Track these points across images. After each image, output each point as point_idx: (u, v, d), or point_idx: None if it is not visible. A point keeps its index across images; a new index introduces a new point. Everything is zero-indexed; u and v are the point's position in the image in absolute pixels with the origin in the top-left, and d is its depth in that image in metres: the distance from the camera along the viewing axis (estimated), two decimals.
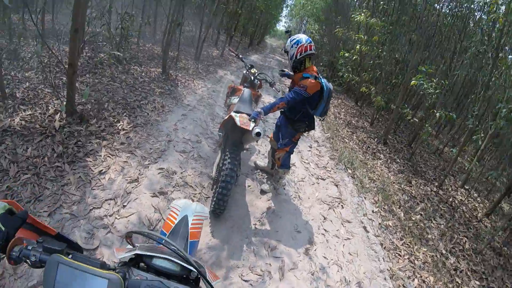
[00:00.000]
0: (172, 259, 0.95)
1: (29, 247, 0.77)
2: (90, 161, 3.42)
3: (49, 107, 4.03)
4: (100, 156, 3.58)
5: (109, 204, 2.94)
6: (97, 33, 6.71)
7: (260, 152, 5.10)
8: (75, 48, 3.63)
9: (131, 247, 1.05)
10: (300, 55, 3.34)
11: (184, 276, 0.99)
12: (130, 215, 2.89)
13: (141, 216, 2.93)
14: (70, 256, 0.78)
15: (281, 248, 3.27)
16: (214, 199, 3.02)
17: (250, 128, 2.88)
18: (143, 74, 6.78)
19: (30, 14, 4.03)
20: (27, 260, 0.76)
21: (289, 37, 3.45)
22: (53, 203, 2.74)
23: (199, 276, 0.97)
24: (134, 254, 0.94)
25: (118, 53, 5.92)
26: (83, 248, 0.87)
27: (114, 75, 5.96)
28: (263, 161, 4.61)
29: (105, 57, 6.11)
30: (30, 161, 3.09)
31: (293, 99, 3.26)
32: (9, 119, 3.53)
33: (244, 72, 4.36)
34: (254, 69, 4.34)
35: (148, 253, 0.95)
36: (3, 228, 0.75)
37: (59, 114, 3.93)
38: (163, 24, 11.80)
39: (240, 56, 4.50)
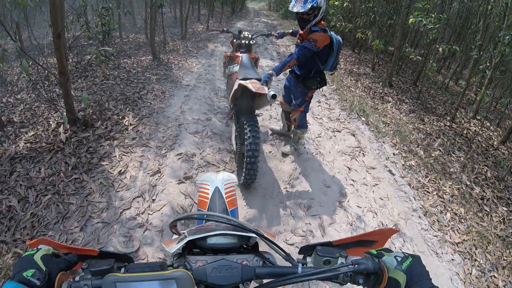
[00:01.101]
0: (225, 232, 0.85)
1: (77, 278, 0.67)
2: (107, 164, 3.30)
3: (50, 122, 3.89)
4: (115, 156, 3.45)
5: (138, 202, 2.83)
6: (78, 36, 6.46)
7: (272, 117, 4.91)
8: (61, 55, 3.43)
9: (177, 236, 0.96)
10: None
11: (242, 246, 0.90)
12: (162, 208, 2.78)
13: (173, 206, 2.82)
14: (123, 270, 0.71)
15: (316, 205, 3.19)
16: (244, 171, 2.90)
17: (266, 92, 2.70)
18: (134, 65, 6.56)
19: (7, 31, 3.82)
20: None
21: None
22: (81, 216, 2.64)
23: (256, 241, 0.88)
24: (186, 242, 0.82)
25: (107, 48, 5.69)
26: (130, 255, 0.73)
27: (106, 73, 5.76)
28: (277, 125, 4.46)
29: (93, 57, 5.89)
30: (47, 181, 2.97)
31: (303, 55, 3.08)
32: (14, 146, 3.40)
33: (235, 40, 4.12)
34: (246, 33, 4.10)
35: (200, 235, 0.84)
36: (43, 268, 0.64)
37: (62, 126, 3.78)
38: (140, 12, 11.48)
39: (225, 29, 4.26)
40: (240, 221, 0.85)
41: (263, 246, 0.85)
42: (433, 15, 6.16)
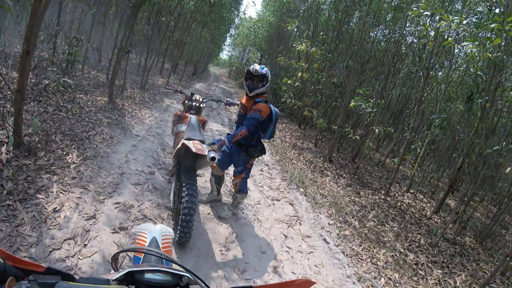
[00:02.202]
0: (162, 268, 0.98)
1: (23, 285, 0.72)
2: (43, 198, 3.27)
3: None
4: (52, 192, 3.43)
5: (69, 244, 2.83)
6: (44, 58, 6.45)
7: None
8: (24, 73, 3.48)
9: (116, 271, 1.05)
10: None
11: (176, 285, 1.02)
12: (93, 254, 2.79)
13: (104, 254, 2.84)
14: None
15: (250, 270, 3.34)
16: (179, 228, 3.03)
17: (206, 153, 2.95)
18: (89, 103, 6.59)
19: None
20: None
21: (260, 62, 3.61)
22: (9, 246, 2.59)
23: (188, 282, 1.00)
24: (126, 272, 0.95)
25: (68, 80, 5.72)
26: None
27: (60, 103, 5.74)
28: (205, 195, 4.53)
29: (52, 84, 5.87)
30: None
31: (253, 125, 3.42)
32: None
33: (186, 101, 4.41)
34: (198, 96, 4.43)
35: (140, 268, 0.97)
36: None
37: (5, 146, 3.72)
38: (107, 52, 11.61)
39: (179, 89, 4.56)
40: (176, 260, 0.98)
41: None
42: (372, 100, 6.97)
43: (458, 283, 4.13)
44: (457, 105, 8.88)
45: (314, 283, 0.99)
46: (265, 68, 3.53)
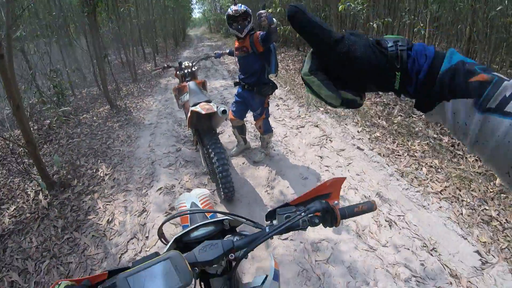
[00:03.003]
0: (202, 222, 1.03)
1: None
2: (94, 217, 3.41)
3: (28, 192, 3.96)
4: (100, 208, 3.56)
5: (132, 243, 2.96)
6: (33, 104, 6.51)
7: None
8: (24, 125, 3.54)
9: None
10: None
11: (221, 231, 1.07)
12: (157, 242, 2.92)
13: (167, 237, 2.95)
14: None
15: None
16: (221, 186, 3.10)
17: (215, 110, 2.93)
18: (94, 118, 6.66)
19: None
20: None
21: (235, 2, 3.50)
22: (83, 271, 2.75)
23: (231, 224, 1.06)
24: (174, 240, 0.99)
25: (66, 108, 5.78)
26: None
27: (69, 132, 5.84)
28: (233, 147, 4.54)
29: (54, 120, 5.96)
30: (41, 248, 3.05)
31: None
32: None
33: (177, 72, 4.33)
34: (186, 62, 4.33)
35: (182, 232, 1.02)
36: None
37: (40, 193, 3.86)
38: (87, 66, 11.53)
39: (165, 65, 4.48)
40: (210, 209, 1.05)
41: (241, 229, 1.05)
42: None
43: None
44: None
45: (344, 178, 1.02)
46: (243, 6, 3.44)
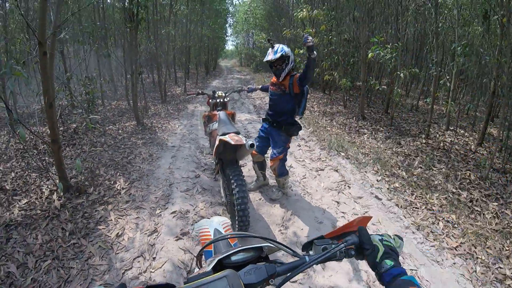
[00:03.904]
0: (246, 247, 1.04)
1: None
2: (104, 228, 3.38)
3: (43, 190, 3.98)
4: (111, 220, 3.54)
5: (138, 261, 2.90)
6: (65, 106, 6.67)
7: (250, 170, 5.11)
8: (53, 124, 3.61)
9: (201, 268, 1.14)
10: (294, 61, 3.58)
11: (258, 258, 1.08)
12: (163, 265, 2.86)
13: (174, 262, 2.90)
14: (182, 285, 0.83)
15: None
16: (237, 218, 3.06)
17: (244, 142, 2.94)
18: (120, 131, 6.76)
19: (4, 100, 3.98)
20: None
21: (272, 46, 3.53)
22: (84, 279, 2.69)
23: (266, 253, 1.09)
24: (217, 261, 1.00)
25: (95, 116, 5.89)
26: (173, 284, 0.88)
27: (93, 140, 5.93)
28: (253, 182, 4.52)
29: (83, 125, 6.07)
30: (45, 247, 3.02)
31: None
32: (8, 213, 3.46)
33: (210, 100, 4.42)
34: (220, 92, 4.44)
35: (228, 253, 1.03)
36: None
37: (55, 193, 3.88)
38: (120, 80, 11.85)
39: (200, 91, 4.63)
40: (256, 234, 1.06)
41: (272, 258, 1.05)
42: (389, 46, 6.69)
43: None
44: (474, 28, 8.36)
45: (371, 217, 1.11)
46: (279, 48, 3.47)
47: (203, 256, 1.56)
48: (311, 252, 1.04)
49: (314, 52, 3.16)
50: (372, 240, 0.93)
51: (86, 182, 4.25)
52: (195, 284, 0.77)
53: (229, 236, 1.12)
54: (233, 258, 1.03)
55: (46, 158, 4.90)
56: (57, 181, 3.89)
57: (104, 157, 5.20)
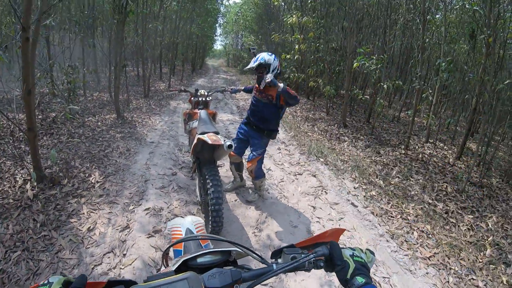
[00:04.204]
0: (213, 250, 1.06)
1: None
2: (75, 222, 3.36)
3: (17, 179, 3.92)
4: (83, 214, 3.52)
5: (108, 257, 2.91)
6: (46, 93, 6.56)
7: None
8: (31, 111, 3.56)
9: (167, 267, 1.13)
10: (280, 66, 3.65)
11: (225, 262, 1.10)
12: (133, 262, 2.87)
13: (144, 259, 2.91)
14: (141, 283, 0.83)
15: (285, 245, 3.32)
16: (210, 219, 3.09)
17: (222, 143, 2.98)
18: (99, 123, 6.70)
19: None
20: None
21: (254, 54, 3.65)
22: (53, 273, 2.68)
23: (234, 258, 1.11)
24: (182, 261, 1.01)
25: (74, 106, 5.82)
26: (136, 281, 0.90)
27: (71, 131, 5.86)
28: (229, 183, 4.56)
29: (60, 115, 5.98)
30: (15, 237, 2.99)
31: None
32: None
33: (192, 98, 4.43)
34: (202, 91, 4.46)
35: (193, 255, 1.04)
36: None
37: (29, 183, 3.83)
38: (104, 71, 11.71)
39: (182, 88, 4.63)
40: (224, 238, 1.08)
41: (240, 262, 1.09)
42: (374, 57, 6.84)
43: (490, 225, 4.04)
44: (460, 46, 8.62)
45: (344, 230, 1.12)
46: (260, 57, 3.58)
47: (173, 256, 1.58)
48: (279, 260, 1.04)
49: (279, 85, 3.32)
50: (343, 255, 0.93)
51: (60, 173, 4.21)
52: (154, 284, 0.77)
53: (198, 237, 1.14)
54: (199, 260, 1.04)
55: (22, 146, 4.83)
56: (32, 170, 3.85)
57: (81, 149, 5.15)
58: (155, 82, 13.63)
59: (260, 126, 3.81)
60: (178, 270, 1.01)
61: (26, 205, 3.45)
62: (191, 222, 1.70)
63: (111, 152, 5.29)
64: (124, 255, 2.96)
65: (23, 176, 4.00)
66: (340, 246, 0.96)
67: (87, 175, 4.36)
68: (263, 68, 3.60)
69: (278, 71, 3.67)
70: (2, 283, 2.53)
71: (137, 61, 13.42)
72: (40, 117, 6.04)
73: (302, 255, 0.96)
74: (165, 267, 1.20)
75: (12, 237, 2.99)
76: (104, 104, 8.62)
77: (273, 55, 3.62)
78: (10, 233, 3.03)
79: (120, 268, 2.78)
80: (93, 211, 3.60)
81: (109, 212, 3.61)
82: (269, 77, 3.30)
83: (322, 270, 0.96)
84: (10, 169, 4.15)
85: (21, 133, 5.06)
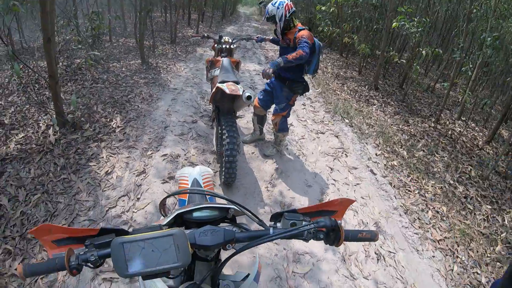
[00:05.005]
0: (208, 205, 1.02)
1: (82, 252, 0.79)
2: (94, 165, 3.43)
3: (40, 124, 4.00)
4: (102, 158, 3.58)
5: (123, 201, 2.97)
6: (68, 41, 6.57)
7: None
8: (51, 59, 3.56)
9: (165, 217, 1.10)
10: (288, 14, 3.37)
11: (223, 218, 1.08)
12: (146, 206, 2.92)
13: (156, 204, 2.96)
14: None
15: (296, 203, 3.32)
16: (224, 169, 3.07)
17: (240, 93, 2.87)
18: (123, 69, 6.70)
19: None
20: (88, 264, 0.78)
21: (264, 6, 3.49)
22: (69, 214, 2.77)
23: (234, 214, 1.07)
24: (175, 215, 0.99)
25: (96, 52, 5.82)
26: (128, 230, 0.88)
27: (95, 76, 5.88)
28: (248, 135, 4.52)
29: (82, 61, 6.00)
30: (36, 181, 3.09)
31: (307, 47, 3.23)
32: (4, 147, 3.51)
33: (216, 45, 4.28)
34: (226, 37, 4.28)
35: (188, 209, 1.01)
36: None
37: (51, 128, 3.90)
38: (131, 16, 11.59)
39: (205, 34, 4.50)
40: (220, 194, 1.04)
41: (240, 220, 1.05)
42: (416, 19, 6.38)
43: (506, 221, 3.75)
44: (509, 24, 7.83)
45: (353, 201, 1.06)
46: (268, 9, 3.44)
47: (179, 205, 1.57)
48: (278, 225, 0.99)
49: (275, 66, 3.16)
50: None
51: (82, 118, 4.27)
52: (139, 237, 0.74)
53: (186, 192, 1.14)
54: (195, 214, 1.02)
55: (46, 93, 4.90)
56: (54, 116, 3.91)
57: (104, 94, 5.19)
58: (183, 29, 13.40)
59: (282, 74, 3.64)
60: (172, 224, 1.00)
61: (48, 150, 3.53)
62: (199, 173, 1.68)
63: (133, 97, 5.30)
64: (138, 199, 3.02)
65: (46, 121, 4.07)
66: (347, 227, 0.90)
67: (108, 120, 4.40)
68: (272, 19, 3.44)
69: (288, 16, 3.39)
70: (22, 224, 2.63)
71: (165, 7, 13.17)
72: (65, 64, 6.07)
73: (303, 223, 0.92)
74: (163, 217, 1.17)
75: (33, 180, 3.09)
76: (130, 50, 8.59)
77: (278, 2, 3.36)
78: (32, 177, 3.12)
79: (133, 212, 2.85)
80: (112, 155, 3.66)
81: (128, 157, 3.66)
82: (265, 71, 3.13)
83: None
84: (34, 116, 4.23)
85: (45, 81, 5.13)
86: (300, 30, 3.36)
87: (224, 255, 1.02)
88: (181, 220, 1.04)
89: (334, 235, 0.88)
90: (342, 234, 0.87)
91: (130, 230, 0.83)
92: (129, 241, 0.73)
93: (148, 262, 0.72)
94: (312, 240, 0.90)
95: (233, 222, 1.08)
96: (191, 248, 0.80)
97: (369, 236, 0.94)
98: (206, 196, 1.49)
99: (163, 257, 0.73)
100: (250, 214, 1.01)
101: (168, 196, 1.11)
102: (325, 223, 0.88)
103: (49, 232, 0.85)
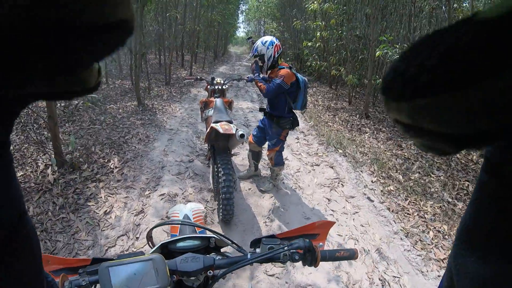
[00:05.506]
0: (190, 235, 1.10)
1: (74, 278, 0.85)
2: (93, 205, 3.48)
3: (39, 164, 4.07)
4: (101, 197, 3.63)
5: (122, 240, 3.01)
6: None
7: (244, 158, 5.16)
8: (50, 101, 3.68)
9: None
10: (277, 54, 3.54)
11: (206, 247, 1.13)
12: (145, 245, 2.95)
13: (155, 243, 2.99)
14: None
15: None
16: (221, 207, 3.13)
17: (234, 132, 3.00)
18: (120, 110, 6.84)
19: None
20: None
21: (252, 43, 3.64)
22: (68, 253, 2.80)
23: (216, 243, 1.12)
24: (160, 245, 1.06)
25: (94, 95, 5.96)
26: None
27: (93, 118, 6.01)
28: (243, 170, 4.61)
29: (80, 103, 6.14)
30: (35, 219, 3.12)
31: (272, 89, 3.43)
32: None
33: (209, 87, 4.45)
34: (219, 79, 4.46)
35: (171, 239, 1.09)
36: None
37: (50, 168, 3.96)
38: (126, 59, 11.88)
39: (198, 77, 4.61)
40: (202, 225, 1.13)
41: (225, 250, 1.12)
42: (398, 46, 6.65)
43: None
44: None
45: (334, 223, 1.11)
46: (254, 47, 3.60)
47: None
48: (258, 250, 1.04)
49: (255, 77, 3.61)
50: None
51: (80, 159, 4.34)
52: (122, 262, 0.82)
53: (172, 223, 1.22)
54: (179, 244, 1.09)
55: (45, 132, 4.99)
56: (53, 156, 3.98)
57: (102, 135, 5.29)
58: (177, 70, 13.74)
59: (271, 112, 3.79)
60: (160, 253, 1.05)
61: (46, 189, 3.58)
62: (190, 209, 1.75)
63: (130, 138, 5.40)
64: (137, 238, 3.05)
65: (45, 161, 4.14)
66: (326, 247, 0.95)
67: (106, 160, 4.48)
68: (259, 57, 3.60)
69: (276, 57, 3.57)
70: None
71: (159, 49, 13.55)
72: (63, 104, 6.20)
73: (281, 246, 0.97)
74: (151, 248, 1.26)
75: (32, 218, 3.12)
76: (126, 91, 8.78)
77: (268, 41, 3.52)
78: (31, 215, 3.15)
79: (133, 250, 2.87)
80: (111, 195, 3.71)
81: (126, 197, 3.71)
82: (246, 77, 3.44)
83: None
84: (33, 155, 4.30)
85: (43, 121, 5.23)
86: (280, 69, 3.52)
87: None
88: (167, 251, 1.11)
89: (310, 256, 0.94)
90: (318, 254, 0.93)
91: None
92: (114, 265, 0.81)
93: (131, 284, 0.80)
94: (289, 261, 0.95)
95: (217, 251, 1.14)
96: (176, 276, 0.88)
97: (348, 255, 0.99)
98: (196, 229, 1.57)
99: (144, 280, 0.81)
100: (228, 241, 1.08)
101: (153, 228, 1.18)
102: (299, 244, 0.94)
103: (47, 263, 0.93)
